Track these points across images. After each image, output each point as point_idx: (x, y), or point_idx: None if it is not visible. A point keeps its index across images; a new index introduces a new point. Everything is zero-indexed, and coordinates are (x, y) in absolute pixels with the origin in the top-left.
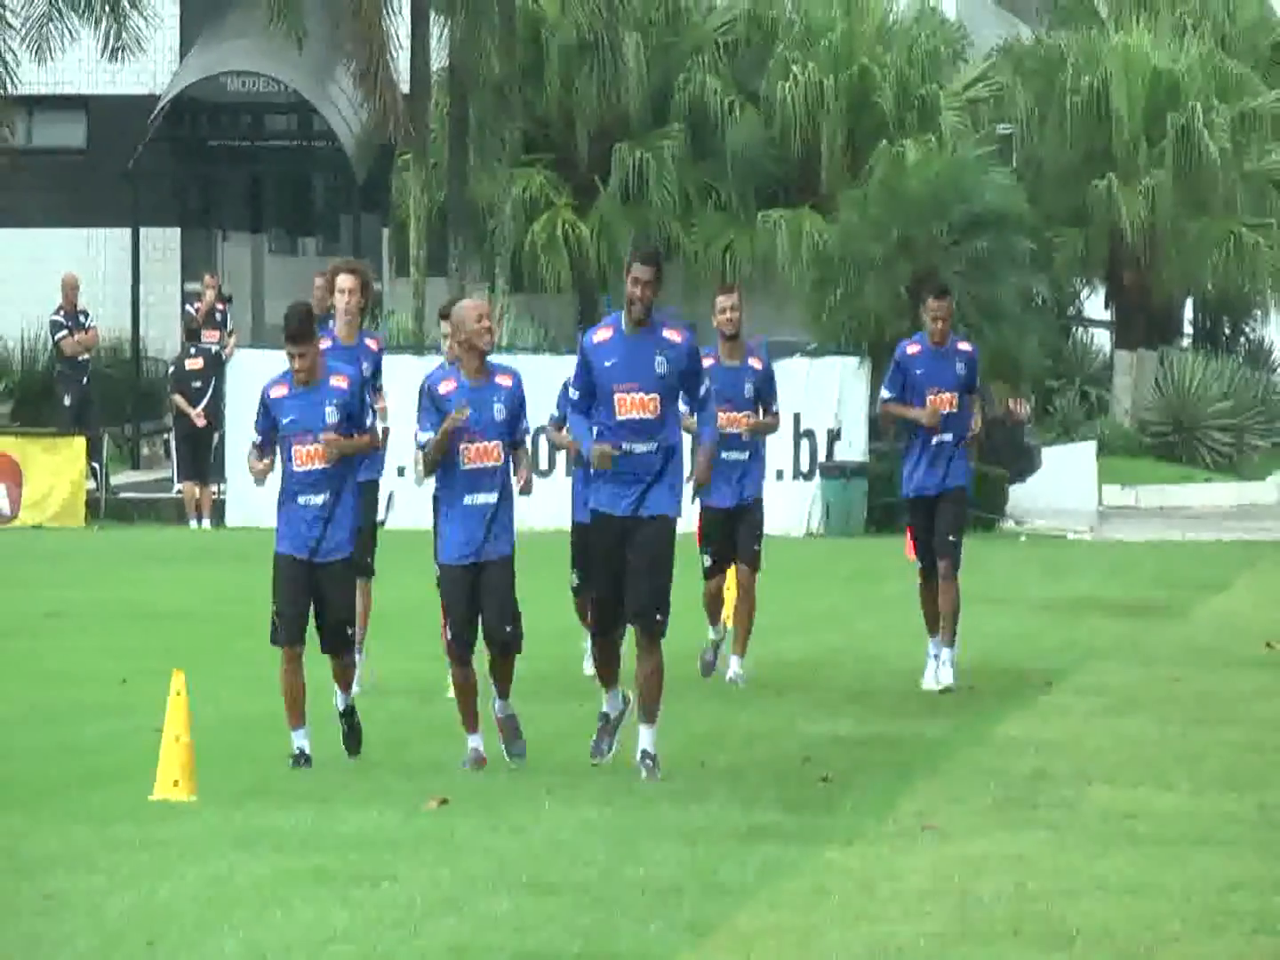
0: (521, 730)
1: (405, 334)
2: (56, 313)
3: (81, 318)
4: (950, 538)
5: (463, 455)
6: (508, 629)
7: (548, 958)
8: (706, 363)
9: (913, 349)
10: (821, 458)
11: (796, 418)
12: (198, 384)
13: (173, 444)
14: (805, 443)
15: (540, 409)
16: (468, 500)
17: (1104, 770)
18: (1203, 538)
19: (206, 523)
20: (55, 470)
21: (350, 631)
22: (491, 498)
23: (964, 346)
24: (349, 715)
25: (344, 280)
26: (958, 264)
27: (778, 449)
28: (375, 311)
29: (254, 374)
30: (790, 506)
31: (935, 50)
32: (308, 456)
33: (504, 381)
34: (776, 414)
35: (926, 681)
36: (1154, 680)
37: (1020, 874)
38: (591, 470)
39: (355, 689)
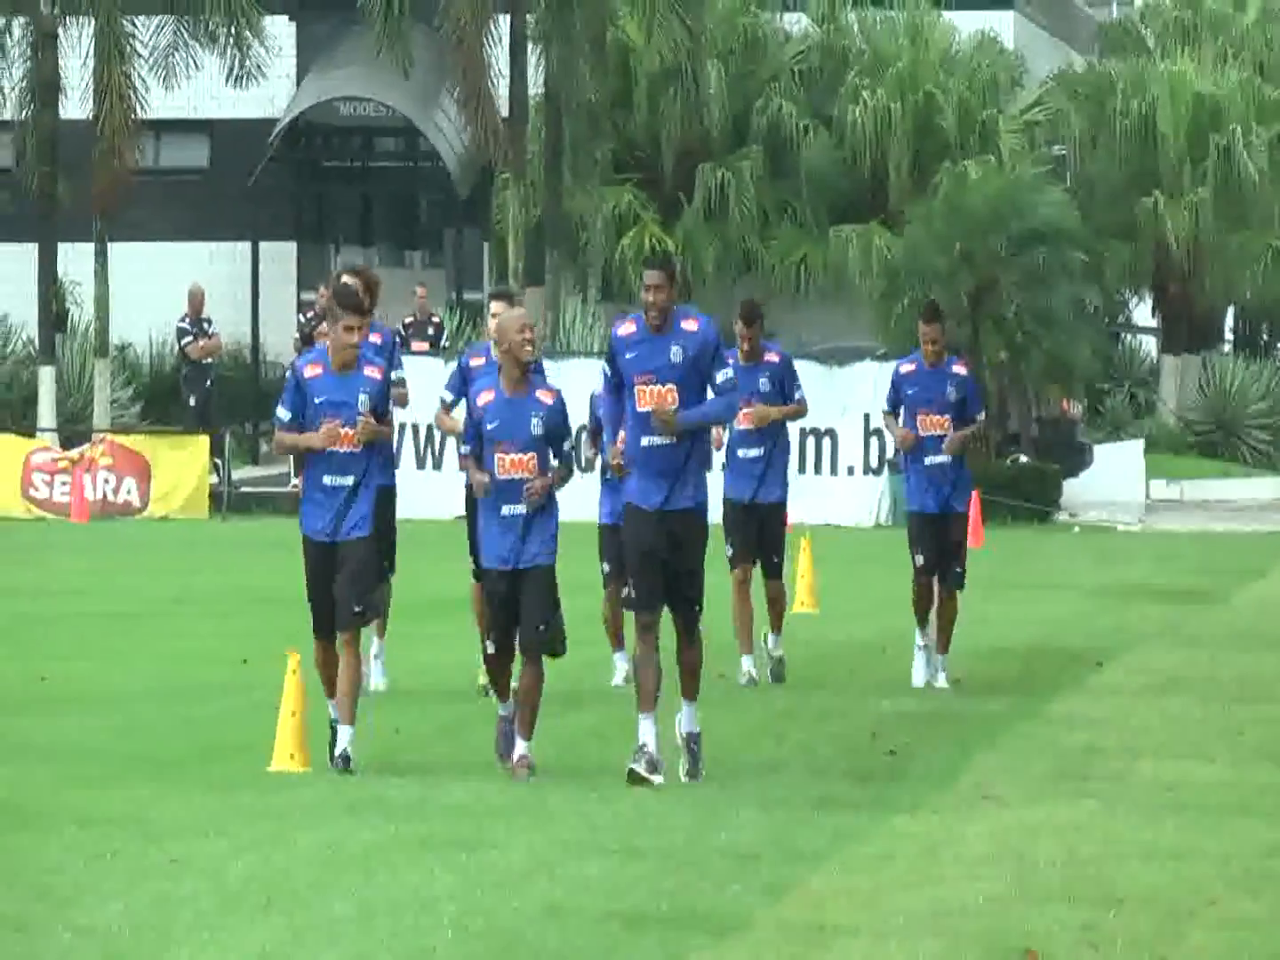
0: (535, 771)
1: None
2: (182, 320)
3: (205, 325)
4: (958, 569)
5: (498, 465)
6: (540, 628)
7: (635, 917)
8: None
9: (906, 368)
10: (889, 455)
11: (866, 418)
12: None
13: (437, 414)
14: (874, 441)
15: None
16: (505, 510)
17: (1150, 744)
18: (1242, 529)
19: None
20: (181, 466)
21: (358, 610)
22: (525, 508)
23: (958, 370)
24: (344, 760)
25: (348, 281)
26: (1015, 275)
27: (849, 447)
28: (475, 320)
29: None
30: (860, 499)
31: (994, 77)
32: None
33: (544, 398)
34: (800, 400)
35: (916, 681)
36: (1197, 661)
37: (1072, 840)
38: (640, 450)
39: (378, 684)
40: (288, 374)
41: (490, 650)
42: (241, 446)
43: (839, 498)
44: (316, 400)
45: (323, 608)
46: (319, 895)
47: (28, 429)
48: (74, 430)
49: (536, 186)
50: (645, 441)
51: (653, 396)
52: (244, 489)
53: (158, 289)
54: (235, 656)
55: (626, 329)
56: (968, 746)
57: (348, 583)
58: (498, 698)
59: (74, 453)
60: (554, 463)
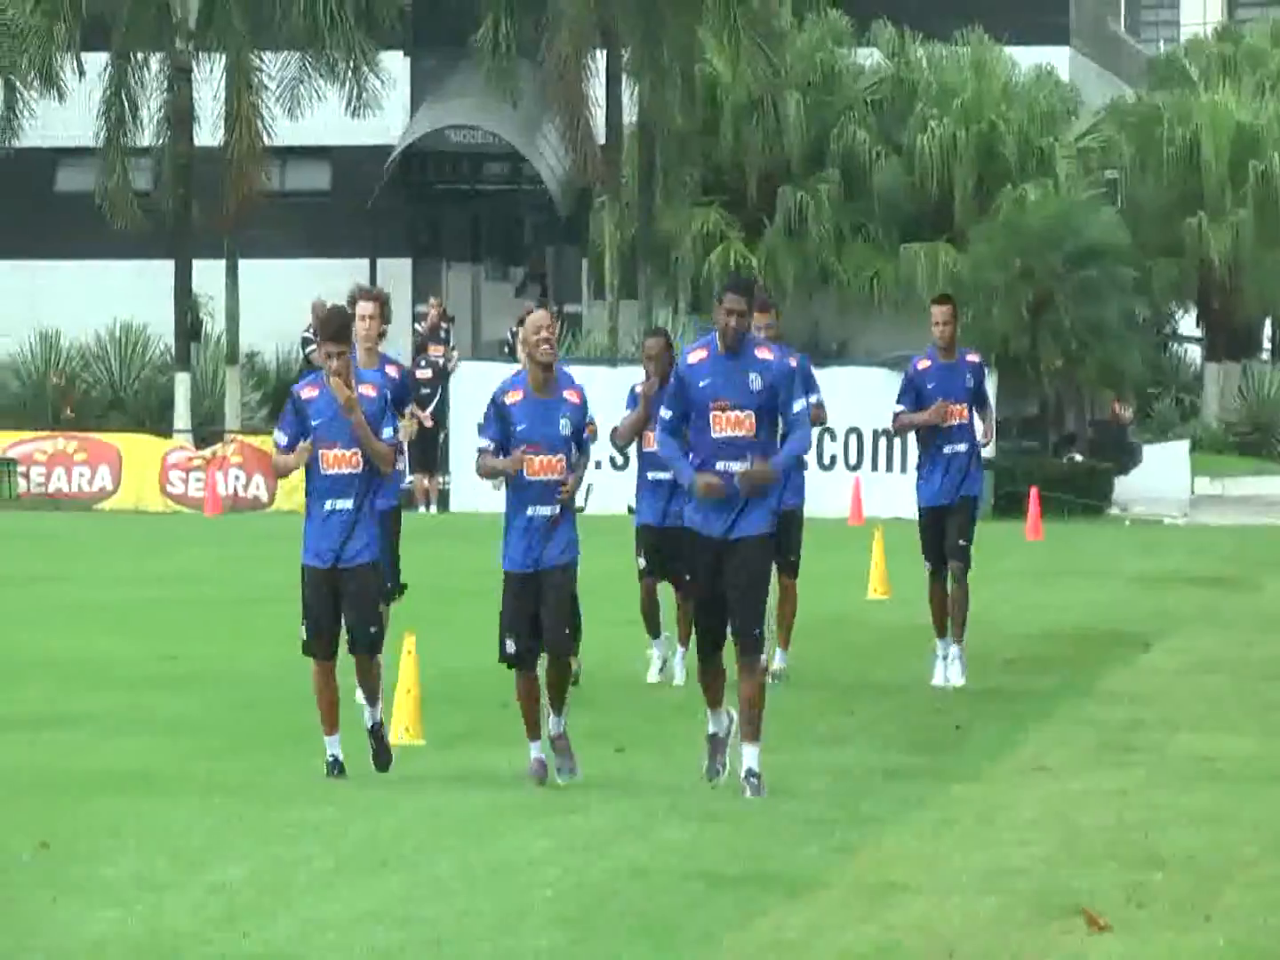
0: (573, 750)
1: (601, 349)
2: (307, 330)
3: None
4: (960, 541)
5: (527, 466)
6: (564, 631)
7: (715, 877)
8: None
9: (923, 364)
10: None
11: None
12: (426, 391)
13: (405, 442)
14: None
15: None
16: (530, 511)
17: (1189, 719)
18: (1277, 522)
19: (434, 508)
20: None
21: (374, 631)
22: (555, 509)
23: (972, 358)
24: (376, 733)
25: (364, 307)
26: (1070, 289)
27: (916, 447)
28: (574, 331)
29: (474, 382)
30: None
31: (1051, 108)
32: (335, 461)
33: (571, 397)
34: (819, 405)
35: (935, 680)
36: (1232, 643)
37: (1117, 807)
38: (693, 499)
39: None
40: (288, 401)
41: (510, 650)
42: None
43: (908, 494)
44: (313, 423)
45: (322, 628)
46: (426, 857)
47: (165, 430)
48: (207, 431)
49: (631, 207)
50: (721, 467)
51: (730, 423)
52: None
53: (283, 302)
54: None
55: (697, 356)
56: (1021, 721)
57: (360, 608)
58: (527, 732)
59: (207, 452)
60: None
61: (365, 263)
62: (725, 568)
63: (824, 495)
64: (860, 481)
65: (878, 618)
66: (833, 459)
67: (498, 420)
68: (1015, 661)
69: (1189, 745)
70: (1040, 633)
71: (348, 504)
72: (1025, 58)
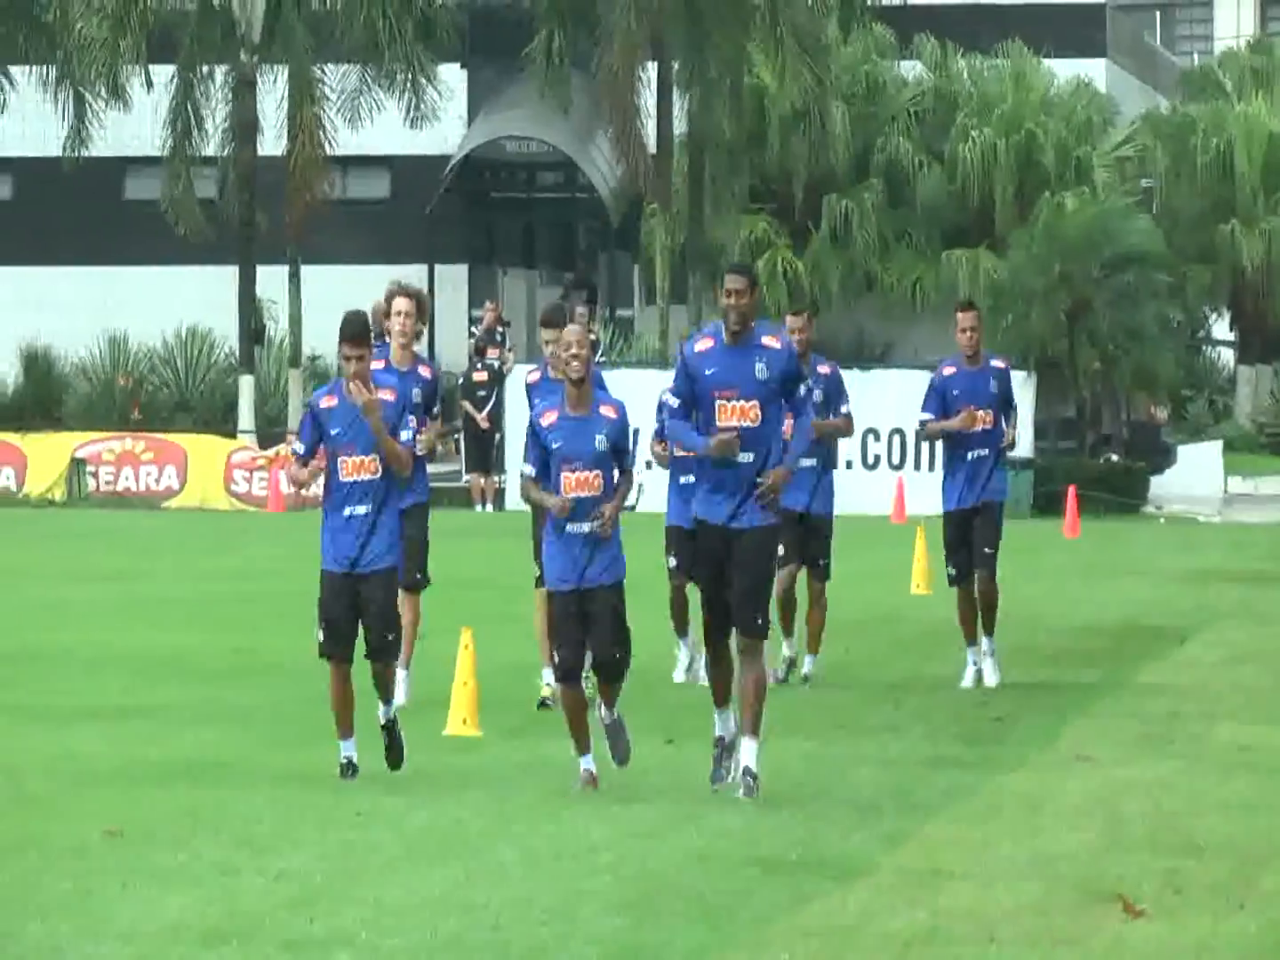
0: (628, 735)
1: (652, 352)
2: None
3: (387, 338)
4: (986, 550)
5: (563, 484)
6: (615, 654)
7: (771, 862)
8: None
9: (948, 370)
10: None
11: None
12: (483, 393)
13: (463, 442)
14: None
15: None
16: (570, 528)
17: (1226, 710)
18: None
19: (490, 507)
20: None
21: (391, 638)
22: (594, 525)
23: (997, 363)
24: (390, 729)
25: (400, 303)
26: (1107, 294)
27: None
28: (626, 334)
29: None
30: None
31: (1088, 118)
32: (354, 468)
33: (608, 413)
34: (847, 416)
35: (965, 682)
36: (1267, 636)
37: (1157, 795)
38: (710, 463)
39: (401, 699)
40: (306, 410)
41: (560, 668)
42: None
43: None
44: (331, 431)
45: (339, 631)
46: (489, 843)
47: (229, 431)
48: (270, 432)
49: (680, 215)
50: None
51: (735, 413)
52: None
53: (345, 306)
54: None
55: (703, 344)
56: (1064, 713)
57: (377, 614)
58: (575, 747)
59: (270, 452)
60: (616, 476)
61: (424, 268)
62: (730, 556)
63: (868, 494)
64: (903, 481)
65: (921, 613)
66: (876, 459)
67: (535, 446)
68: (1058, 655)
69: (1227, 736)
70: (1081, 627)
71: (365, 509)
72: (1063, 70)
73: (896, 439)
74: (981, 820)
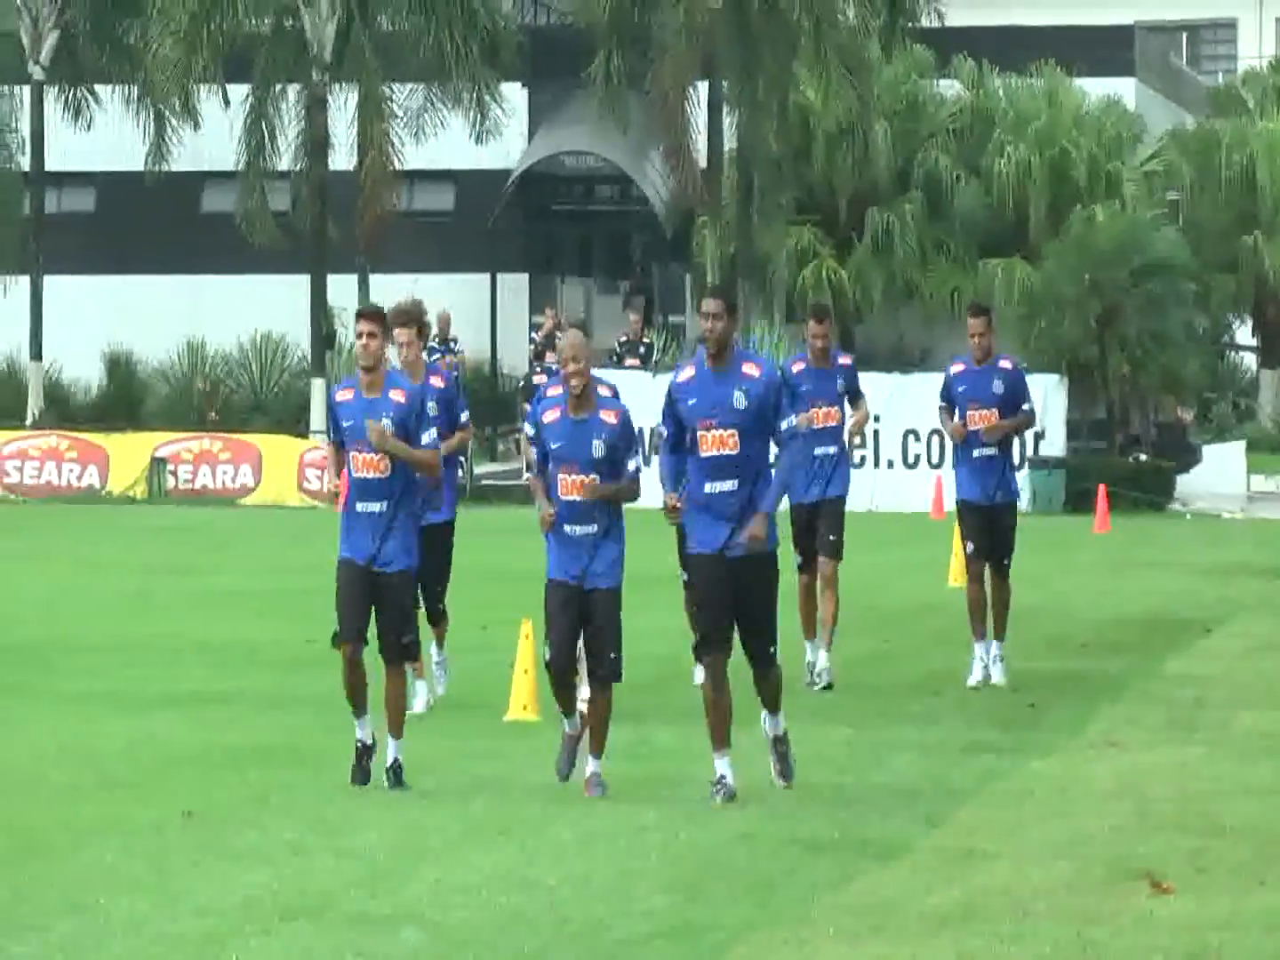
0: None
1: None
2: (432, 339)
3: (451, 344)
4: (1004, 561)
5: (560, 486)
6: (611, 656)
7: (814, 843)
8: (798, 366)
9: (956, 368)
10: (1030, 453)
11: None
12: None
13: (522, 442)
14: (1016, 440)
15: None
16: (568, 529)
17: (1250, 699)
18: None
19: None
20: None
21: (406, 642)
22: (590, 529)
23: (1005, 364)
24: (395, 774)
25: (400, 335)
26: (1136, 302)
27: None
28: (678, 339)
29: None
30: None
31: (1118, 135)
32: (365, 464)
33: (608, 418)
34: (865, 414)
35: (971, 680)
36: None
37: (1183, 779)
38: (700, 495)
39: (419, 706)
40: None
41: (549, 655)
42: (481, 446)
43: None
44: (344, 425)
45: (352, 615)
46: (547, 824)
47: (302, 431)
48: None
49: (730, 227)
50: (709, 488)
51: (715, 442)
52: (483, 482)
53: None
54: (476, 623)
55: (685, 374)
56: (1094, 700)
57: (394, 617)
58: (562, 713)
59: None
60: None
61: (486, 277)
62: (732, 583)
63: (909, 492)
64: (941, 479)
65: (958, 605)
66: (916, 458)
67: (538, 438)
68: (1088, 645)
69: (1250, 723)
70: (1111, 619)
71: (379, 506)
72: (1094, 88)
73: (935, 439)
74: (1015, 803)
